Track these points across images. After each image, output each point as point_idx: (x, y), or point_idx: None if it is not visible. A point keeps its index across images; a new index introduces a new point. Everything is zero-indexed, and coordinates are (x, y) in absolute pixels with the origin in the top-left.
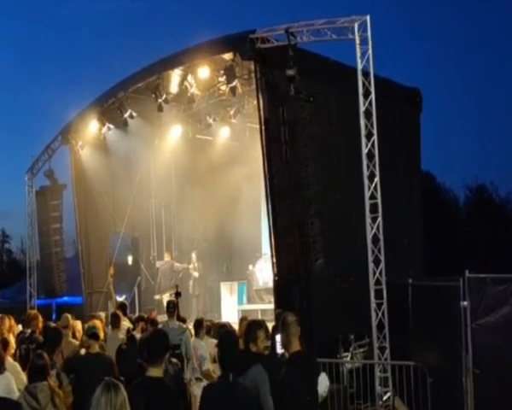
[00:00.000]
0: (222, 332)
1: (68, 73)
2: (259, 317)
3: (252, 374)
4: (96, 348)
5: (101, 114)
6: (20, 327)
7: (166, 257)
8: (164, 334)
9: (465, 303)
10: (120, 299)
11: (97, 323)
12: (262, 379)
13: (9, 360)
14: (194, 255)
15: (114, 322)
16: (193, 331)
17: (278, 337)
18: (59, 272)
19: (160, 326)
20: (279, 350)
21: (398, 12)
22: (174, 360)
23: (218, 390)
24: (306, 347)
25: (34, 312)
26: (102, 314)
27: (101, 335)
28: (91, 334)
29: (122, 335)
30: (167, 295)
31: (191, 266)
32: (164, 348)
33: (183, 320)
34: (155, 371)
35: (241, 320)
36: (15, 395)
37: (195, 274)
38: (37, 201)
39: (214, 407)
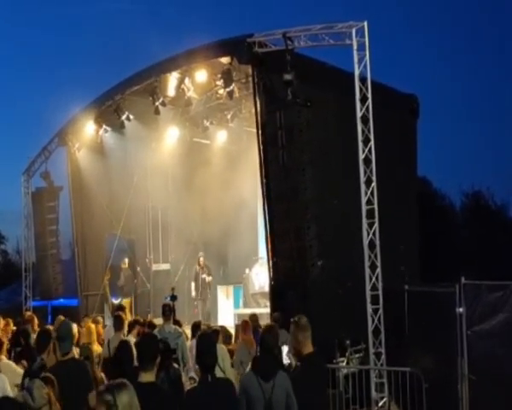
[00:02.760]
0: (199, 334)
1: (65, 74)
2: None
3: (280, 379)
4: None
5: (98, 116)
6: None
7: (123, 264)
8: (154, 338)
9: (461, 310)
10: (116, 302)
11: (91, 326)
12: (289, 384)
13: (3, 359)
14: (201, 258)
15: (117, 324)
16: (189, 334)
17: (285, 348)
18: (55, 273)
19: (156, 330)
20: (286, 361)
21: (395, 18)
22: (176, 365)
23: (200, 393)
24: None
25: (29, 314)
26: (100, 318)
27: (94, 337)
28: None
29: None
30: (126, 299)
31: (202, 269)
32: (154, 353)
33: (179, 324)
34: (147, 377)
35: (243, 323)
36: (10, 396)
37: (208, 278)
38: (34, 202)
39: (200, 408)
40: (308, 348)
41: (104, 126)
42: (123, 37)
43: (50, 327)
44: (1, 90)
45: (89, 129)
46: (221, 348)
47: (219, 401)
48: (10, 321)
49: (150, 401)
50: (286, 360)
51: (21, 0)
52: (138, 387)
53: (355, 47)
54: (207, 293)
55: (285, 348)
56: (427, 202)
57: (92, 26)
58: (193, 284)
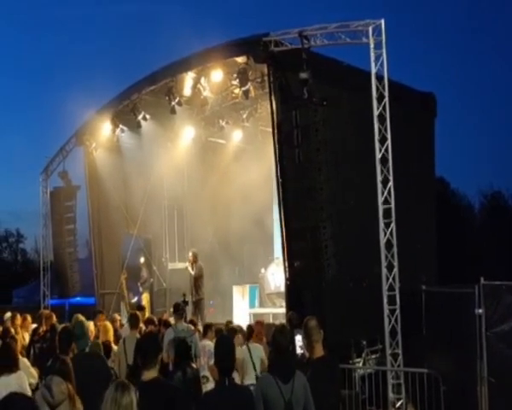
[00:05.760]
0: (218, 337)
1: (82, 75)
2: (271, 321)
3: (298, 380)
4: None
5: (115, 115)
6: (33, 326)
7: (141, 264)
8: (155, 336)
9: (480, 311)
10: (133, 301)
11: (107, 324)
12: (307, 384)
13: (19, 356)
14: (190, 253)
15: (133, 322)
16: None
17: (298, 337)
18: (72, 272)
19: (169, 329)
20: (299, 350)
21: (412, 16)
22: (194, 365)
23: (216, 396)
24: None
25: (48, 311)
26: (117, 316)
27: (111, 335)
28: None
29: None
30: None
31: (191, 266)
32: (156, 351)
33: (194, 323)
34: (150, 374)
35: (256, 323)
36: (28, 394)
37: (192, 272)
38: (51, 201)
39: None
40: (318, 352)
41: (121, 126)
42: (139, 37)
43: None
44: (20, 91)
45: (105, 129)
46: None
47: (235, 407)
48: (28, 316)
49: (154, 396)
50: (299, 351)
51: (41, 1)
52: (142, 385)
53: (372, 45)
54: (198, 294)
55: (298, 338)
56: (444, 202)
57: (109, 28)
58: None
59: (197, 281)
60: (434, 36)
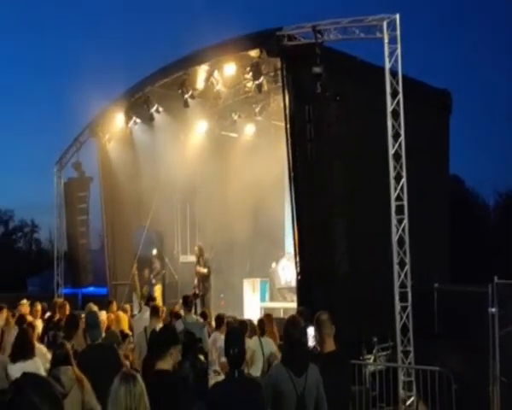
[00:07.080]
0: (228, 329)
1: (96, 66)
2: (282, 315)
3: (312, 373)
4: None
5: (128, 108)
6: (47, 314)
7: (154, 256)
8: (171, 328)
9: (493, 310)
10: (145, 292)
11: (120, 314)
12: (320, 378)
13: (35, 343)
14: (196, 247)
15: (154, 313)
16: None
17: (310, 331)
18: (85, 262)
19: (179, 321)
20: (310, 343)
21: (427, 11)
22: (201, 357)
23: (225, 388)
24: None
25: (61, 300)
26: (127, 307)
27: (124, 326)
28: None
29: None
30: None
31: (198, 260)
32: (169, 342)
33: (205, 316)
34: (163, 364)
35: (265, 317)
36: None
37: (202, 270)
38: (65, 192)
39: (223, 405)
40: (329, 347)
41: (134, 118)
42: (153, 29)
43: (82, 315)
44: (35, 82)
45: (119, 121)
46: (248, 342)
47: (244, 399)
48: (38, 304)
49: (164, 385)
50: (311, 343)
51: None
52: (155, 374)
53: (386, 40)
54: (205, 287)
55: (310, 331)
56: (459, 200)
57: (123, 20)
58: (196, 280)
59: (207, 277)
60: (450, 31)
